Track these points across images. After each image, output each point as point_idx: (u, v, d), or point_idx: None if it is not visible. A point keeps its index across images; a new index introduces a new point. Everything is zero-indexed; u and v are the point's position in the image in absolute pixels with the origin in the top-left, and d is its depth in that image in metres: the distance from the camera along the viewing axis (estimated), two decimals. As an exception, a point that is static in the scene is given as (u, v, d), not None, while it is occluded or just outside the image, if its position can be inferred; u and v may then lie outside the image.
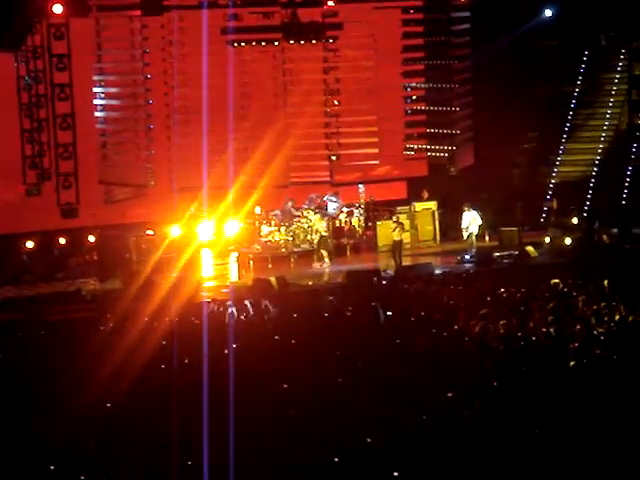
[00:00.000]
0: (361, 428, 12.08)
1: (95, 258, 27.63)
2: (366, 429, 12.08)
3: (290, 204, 28.56)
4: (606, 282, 20.51)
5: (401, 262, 26.38)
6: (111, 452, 11.76)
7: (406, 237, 27.78)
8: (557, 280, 21.47)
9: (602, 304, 18.24)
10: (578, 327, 16.88)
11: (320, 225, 27.72)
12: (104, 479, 11.14)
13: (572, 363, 14.70)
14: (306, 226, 28.23)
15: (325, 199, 29.11)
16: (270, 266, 27.43)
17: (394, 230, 27.01)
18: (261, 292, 23.72)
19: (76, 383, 15.33)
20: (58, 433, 12.65)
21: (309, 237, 28.15)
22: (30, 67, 27.38)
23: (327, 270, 26.75)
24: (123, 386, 14.71)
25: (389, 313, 19.28)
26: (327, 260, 27.12)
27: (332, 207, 29.06)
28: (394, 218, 27.71)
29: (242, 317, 20.02)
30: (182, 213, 29.03)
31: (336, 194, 29.41)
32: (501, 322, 17.46)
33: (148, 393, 14.63)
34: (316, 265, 27.18)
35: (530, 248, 27.06)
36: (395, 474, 10.58)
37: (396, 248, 26.73)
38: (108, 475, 11.17)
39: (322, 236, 27.53)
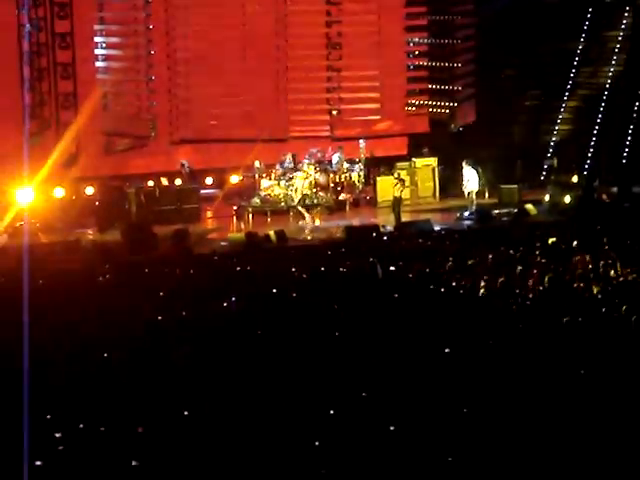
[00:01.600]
0: (355, 381, 12.16)
1: (95, 209, 27.60)
2: (361, 381, 12.17)
3: (289, 158, 28.47)
4: (605, 240, 20.56)
5: (400, 218, 26.37)
6: (108, 403, 11.87)
7: (406, 193, 27.74)
8: (554, 239, 21.52)
9: (601, 262, 18.29)
10: (576, 285, 16.97)
11: (302, 182, 27.59)
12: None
13: (566, 320, 14.75)
14: (306, 180, 28.19)
15: (333, 155, 28.97)
16: (269, 220, 27.44)
17: (395, 186, 27.01)
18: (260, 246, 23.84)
19: (76, 333, 15.40)
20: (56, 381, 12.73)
21: (308, 192, 28.12)
22: (31, 15, 27.24)
23: (308, 228, 26.62)
24: (122, 336, 14.79)
25: (392, 268, 19.33)
26: (307, 218, 27.01)
27: (336, 162, 29.00)
28: (395, 174, 27.68)
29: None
30: (180, 166, 29.09)
31: (340, 149, 29.34)
32: (499, 279, 17.54)
33: (146, 344, 14.71)
34: (300, 223, 27.02)
35: (530, 206, 27.07)
36: (391, 428, 10.65)
37: (396, 204, 26.74)
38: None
39: (304, 194, 27.54)
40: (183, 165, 28.98)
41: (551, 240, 21.42)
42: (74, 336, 15.16)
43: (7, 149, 27.59)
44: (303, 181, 27.66)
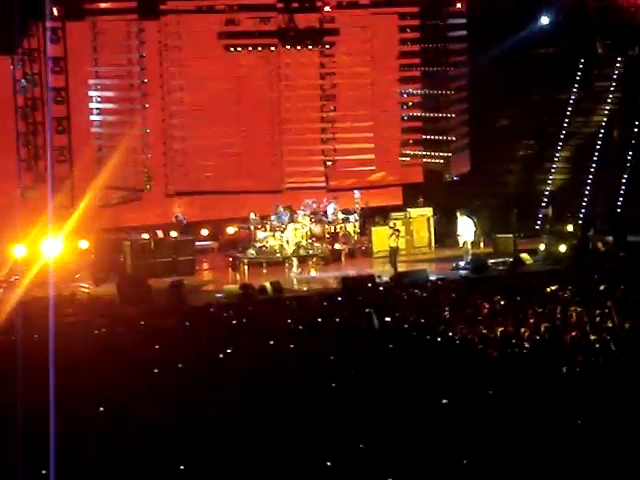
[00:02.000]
0: (352, 433, 12.07)
1: (90, 262, 27.57)
2: (359, 433, 12.08)
3: (281, 209, 28.55)
4: (601, 289, 20.53)
5: (396, 268, 26.38)
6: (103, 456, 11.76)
7: (401, 243, 27.79)
8: (553, 287, 21.50)
9: (597, 312, 18.25)
10: (573, 334, 16.90)
11: (295, 233, 27.68)
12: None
13: (565, 369, 14.68)
14: (302, 231, 28.27)
15: (328, 205, 29.07)
16: (265, 271, 27.42)
17: (390, 236, 27.08)
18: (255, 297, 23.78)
19: (70, 387, 15.29)
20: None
21: (304, 243, 28.18)
22: (26, 70, 27.36)
23: (296, 278, 26.60)
24: (117, 390, 14.68)
25: (387, 319, 19.27)
26: (295, 269, 27.00)
27: (331, 212, 29.10)
28: (390, 224, 27.74)
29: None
30: (175, 218, 29.11)
31: (335, 199, 29.42)
32: (496, 329, 17.48)
33: (141, 397, 14.61)
34: (291, 273, 27.03)
35: (525, 255, 27.07)
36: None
37: (392, 254, 26.77)
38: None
39: (298, 245, 27.61)
40: (177, 217, 29.03)
41: (547, 289, 21.40)
42: (67, 389, 15.05)
43: (1, 202, 27.63)
44: (296, 232, 27.72)
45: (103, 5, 28.56)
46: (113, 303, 23.59)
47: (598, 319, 17.86)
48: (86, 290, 25.66)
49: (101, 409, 13.79)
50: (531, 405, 12.79)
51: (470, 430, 11.93)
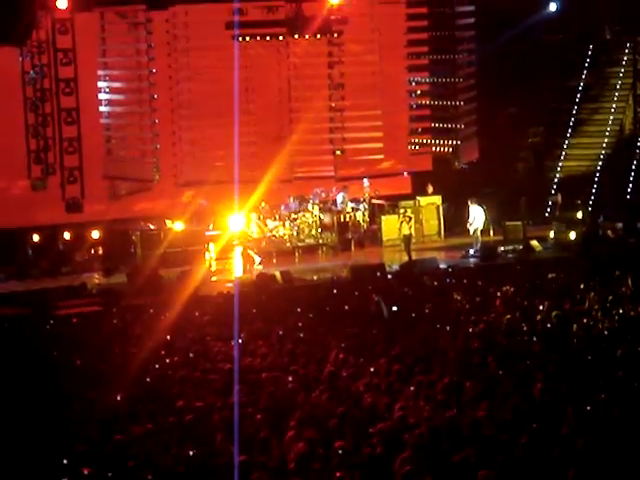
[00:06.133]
0: (366, 424, 12.10)
1: (100, 252, 27.66)
2: (370, 421, 12.11)
3: (293, 199, 28.62)
4: (611, 276, 20.52)
5: (411, 256, 26.42)
6: (119, 447, 11.78)
7: (412, 231, 27.79)
8: (554, 274, 21.52)
9: (609, 298, 18.25)
10: (583, 321, 16.92)
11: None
12: (110, 473, 11.17)
13: (575, 357, 14.70)
14: (311, 221, 28.30)
15: (337, 195, 29.11)
16: (275, 260, 27.47)
17: (402, 223, 27.16)
18: (265, 286, 23.82)
19: (83, 377, 15.40)
20: (63, 430, 12.68)
21: (313, 232, 28.23)
22: (35, 62, 27.44)
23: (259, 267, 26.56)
24: (129, 381, 14.75)
25: (394, 308, 19.30)
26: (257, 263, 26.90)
27: (340, 201, 29.13)
28: (401, 211, 27.76)
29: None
30: (186, 207, 29.10)
31: (345, 189, 29.45)
32: (506, 317, 17.50)
33: (153, 388, 14.67)
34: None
35: (535, 242, 27.07)
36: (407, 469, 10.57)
37: (406, 241, 26.84)
38: (115, 469, 11.21)
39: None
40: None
41: (550, 275, 21.43)
42: (78, 379, 15.16)
43: (11, 194, 27.77)
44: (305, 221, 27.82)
45: (111, -4, 28.56)
46: (123, 293, 23.65)
47: (609, 305, 17.87)
48: (97, 280, 25.80)
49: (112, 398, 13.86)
50: (539, 392, 12.81)
51: (479, 415, 11.95)
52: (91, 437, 12.21)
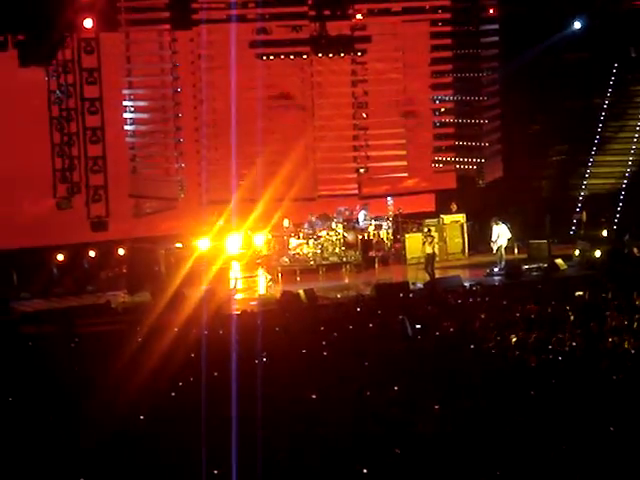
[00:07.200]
0: (389, 438, 12.07)
1: (125, 271, 27.74)
2: (393, 439, 12.07)
3: (313, 219, 28.65)
4: (636, 295, 20.40)
5: (433, 275, 26.34)
6: (141, 463, 11.78)
7: (435, 249, 27.71)
8: (581, 292, 21.41)
9: (636, 316, 18.14)
10: (610, 340, 16.82)
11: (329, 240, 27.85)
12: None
13: (602, 377, 14.62)
14: (334, 239, 28.31)
15: (359, 212, 29.13)
16: (298, 279, 27.48)
17: (424, 243, 27.09)
18: (289, 305, 23.81)
19: (107, 396, 15.41)
20: (88, 445, 12.70)
21: (337, 250, 28.24)
22: (61, 81, 27.57)
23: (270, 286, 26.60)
24: (153, 399, 14.75)
25: (417, 326, 19.25)
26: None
27: (362, 219, 29.15)
28: (425, 230, 27.72)
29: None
30: (211, 226, 29.15)
31: (366, 206, 29.46)
32: (532, 335, 17.42)
33: (177, 406, 14.67)
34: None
35: (559, 261, 26.95)
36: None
37: (429, 261, 26.76)
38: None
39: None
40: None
41: (581, 294, 21.30)
42: (102, 398, 15.18)
43: (36, 213, 27.90)
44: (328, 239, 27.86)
45: (136, 16, 28.72)
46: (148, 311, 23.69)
47: (636, 325, 17.76)
48: (121, 299, 25.85)
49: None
50: (566, 410, 12.73)
51: (507, 435, 11.89)
52: (114, 455, 12.22)
